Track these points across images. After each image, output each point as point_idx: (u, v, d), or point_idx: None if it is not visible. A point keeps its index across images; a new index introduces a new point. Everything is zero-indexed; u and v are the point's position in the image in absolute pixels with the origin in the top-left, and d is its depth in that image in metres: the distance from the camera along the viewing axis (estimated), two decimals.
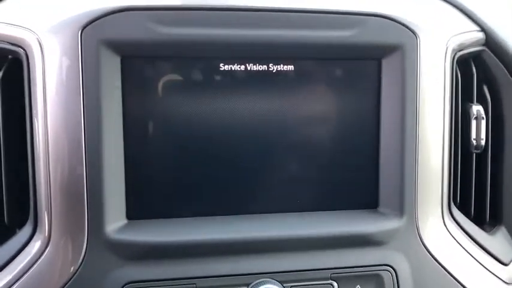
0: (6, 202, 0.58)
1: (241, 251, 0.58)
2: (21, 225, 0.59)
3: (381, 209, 0.63)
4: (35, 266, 0.56)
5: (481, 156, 0.70)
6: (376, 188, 0.64)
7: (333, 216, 0.62)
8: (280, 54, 0.60)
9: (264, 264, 0.58)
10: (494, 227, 0.72)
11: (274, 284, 0.57)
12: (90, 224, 0.56)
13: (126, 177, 0.58)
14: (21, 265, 0.56)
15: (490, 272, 0.68)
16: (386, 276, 0.60)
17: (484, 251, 0.68)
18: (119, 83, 0.57)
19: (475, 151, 0.68)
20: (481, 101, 0.70)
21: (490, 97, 0.70)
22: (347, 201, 0.64)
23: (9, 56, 0.59)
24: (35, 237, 0.57)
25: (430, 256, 0.63)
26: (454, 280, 0.64)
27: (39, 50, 0.57)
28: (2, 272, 0.56)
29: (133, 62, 0.58)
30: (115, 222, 0.57)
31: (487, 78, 0.71)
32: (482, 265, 0.67)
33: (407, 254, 0.62)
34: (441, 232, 0.65)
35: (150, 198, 0.59)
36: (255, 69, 0.60)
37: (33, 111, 0.57)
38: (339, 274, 0.59)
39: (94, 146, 0.56)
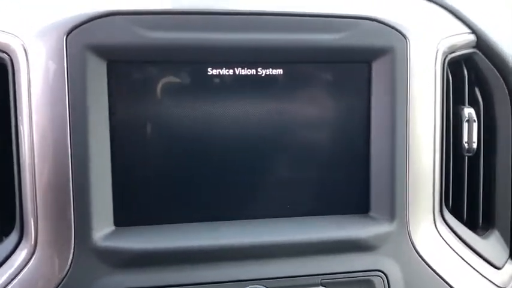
0: None
1: (230, 258, 0.58)
2: (7, 233, 0.58)
3: (371, 213, 0.63)
4: (21, 274, 0.55)
5: (473, 160, 0.70)
6: (367, 192, 0.63)
7: (323, 221, 0.62)
8: (269, 58, 0.60)
9: (253, 270, 0.58)
10: (487, 231, 0.72)
11: None
12: (77, 231, 0.55)
13: (113, 183, 0.57)
14: (7, 274, 0.55)
15: (483, 276, 0.67)
16: (378, 282, 0.60)
17: (476, 255, 0.68)
18: (105, 88, 0.57)
19: (467, 154, 0.67)
20: (473, 103, 0.69)
21: (482, 100, 0.70)
22: (337, 206, 0.63)
23: None
24: (20, 245, 0.56)
25: (422, 261, 0.62)
26: (446, 284, 0.64)
27: (24, 56, 0.56)
28: None
29: (120, 67, 0.57)
30: (102, 229, 0.56)
31: (478, 80, 0.71)
32: (475, 269, 0.67)
33: (399, 259, 0.61)
34: (433, 236, 0.64)
35: (138, 204, 0.58)
36: (243, 73, 0.59)
37: (19, 117, 0.56)
38: (329, 280, 0.59)
39: (80, 153, 0.55)
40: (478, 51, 0.69)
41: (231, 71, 0.59)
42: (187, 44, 0.56)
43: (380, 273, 0.60)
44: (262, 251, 0.58)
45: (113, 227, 0.58)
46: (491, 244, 0.70)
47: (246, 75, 0.60)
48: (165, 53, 0.57)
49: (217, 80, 0.59)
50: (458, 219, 0.68)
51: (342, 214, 0.63)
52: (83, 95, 0.55)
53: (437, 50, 0.65)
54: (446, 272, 0.64)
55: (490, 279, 0.67)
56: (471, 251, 0.67)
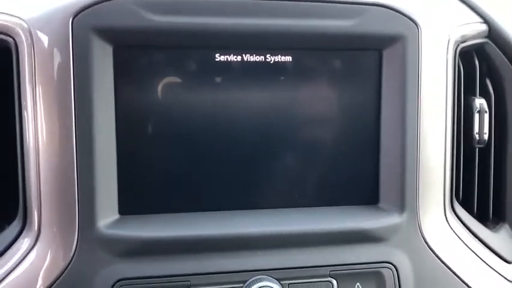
0: None
1: (237, 247, 0.56)
2: (10, 221, 0.57)
3: (381, 204, 0.62)
4: (24, 261, 0.54)
5: (484, 151, 0.69)
6: (377, 183, 0.62)
7: (332, 211, 0.60)
8: (278, 45, 0.58)
9: (261, 260, 0.57)
10: (497, 224, 0.70)
11: (271, 282, 0.55)
12: (81, 219, 0.54)
13: (118, 171, 0.56)
14: (10, 261, 0.54)
15: (493, 269, 0.66)
16: (387, 274, 0.58)
17: (487, 248, 0.66)
18: (110, 73, 0.55)
19: (478, 146, 0.66)
20: (484, 94, 0.68)
21: (493, 91, 0.69)
22: (346, 197, 0.62)
23: None
24: (23, 233, 0.55)
25: (432, 253, 0.61)
26: (456, 277, 0.62)
27: (29, 39, 0.55)
28: None
29: (126, 51, 0.56)
30: (107, 217, 0.55)
31: (490, 71, 0.69)
32: (485, 262, 0.65)
33: (409, 250, 0.60)
34: (443, 228, 0.63)
35: (142, 192, 0.57)
36: (252, 59, 0.58)
37: (23, 103, 0.55)
38: (338, 271, 0.57)
39: (85, 140, 0.54)
40: (489, 41, 0.68)
41: (239, 58, 0.58)
42: (195, 29, 0.55)
43: (389, 265, 0.59)
44: (270, 241, 0.57)
45: (117, 215, 0.56)
46: (501, 238, 0.69)
47: (255, 62, 0.58)
48: (171, 38, 0.55)
49: (224, 67, 0.58)
50: (468, 212, 0.67)
51: (351, 205, 0.62)
52: (88, 79, 0.54)
53: (449, 39, 0.64)
54: (456, 265, 0.63)
55: (500, 272, 0.66)
56: (481, 244, 0.66)
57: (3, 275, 0.54)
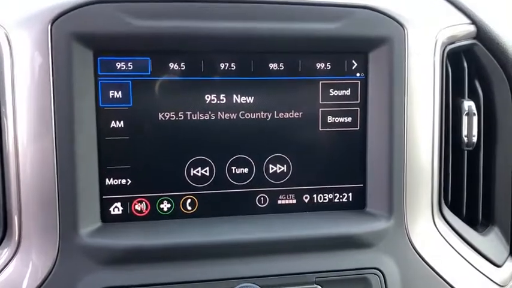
0: None
1: (222, 255, 0.56)
2: None
3: (368, 209, 0.61)
4: (3, 272, 0.53)
5: (473, 154, 0.68)
6: (364, 188, 0.61)
7: (318, 217, 0.60)
8: (262, 48, 0.57)
9: (246, 268, 0.56)
10: (486, 227, 0.70)
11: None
12: (62, 227, 0.53)
13: (100, 178, 0.55)
14: None
15: (483, 273, 0.65)
16: (374, 280, 0.58)
17: (476, 252, 0.66)
18: (91, 78, 0.54)
19: (467, 148, 0.65)
20: (473, 96, 0.67)
21: (482, 92, 0.68)
22: (333, 202, 0.61)
23: None
24: (3, 243, 0.54)
25: (420, 258, 0.60)
26: (445, 283, 0.62)
27: (7, 45, 0.54)
28: None
29: (107, 57, 0.55)
30: (88, 225, 0.54)
31: (478, 72, 0.69)
32: (475, 267, 0.65)
33: (396, 256, 0.59)
34: (431, 233, 0.62)
35: (125, 199, 0.56)
36: (238, 61, 0.57)
37: (2, 109, 0.54)
38: (324, 278, 0.56)
39: (65, 147, 0.53)
40: (478, 43, 0.67)
41: (224, 61, 0.57)
42: (176, 33, 0.54)
43: (376, 271, 0.58)
44: (255, 248, 0.56)
45: (99, 223, 0.56)
46: (490, 241, 0.68)
47: (240, 64, 0.58)
48: (153, 42, 0.55)
49: (209, 69, 0.57)
50: (457, 216, 0.67)
51: (338, 210, 0.61)
52: (68, 86, 0.53)
53: (436, 41, 0.63)
54: (444, 270, 0.62)
55: (489, 277, 0.66)
56: (470, 248, 0.65)
57: None
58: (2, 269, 0.53)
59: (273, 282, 0.55)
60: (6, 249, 0.54)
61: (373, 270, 0.58)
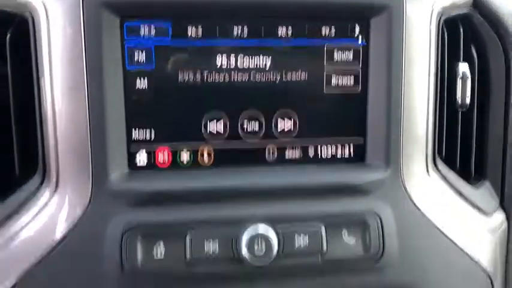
0: (17, 156, 0.63)
1: (236, 198, 0.62)
2: (30, 175, 0.63)
3: (367, 162, 0.67)
4: (43, 212, 0.60)
5: (467, 114, 0.73)
6: (364, 143, 0.67)
7: (322, 168, 0.66)
8: (273, 13, 0.63)
9: (257, 210, 0.62)
10: (478, 182, 0.75)
11: (266, 227, 0.61)
12: (95, 173, 0.60)
13: (127, 131, 0.62)
14: (31, 211, 0.61)
15: (473, 222, 0.71)
16: (372, 223, 0.64)
17: (468, 203, 0.71)
18: (118, 43, 0.61)
19: (461, 109, 0.71)
20: (468, 60, 0.72)
21: (477, 57, 0.73)
22: (335, 156, 0.67)
23: (16, 20, 0.63)
24: (43, 186, 0.62)
25: (414, 206, 0.66)
26: (437, 229, 0.67)
27: (44, 13, 0.60)
28: (14, 217, 0.61)
29: (132, 22, 0.61)
30: (117, 172, 0.61)
31: (474, 39, 0.73)
32: (466, 216, 0.71)
33: (392, 203, 0.65)
34: (425, 184, 0.68)
35: (149, 150, 0.63)
36: (248, 28, 0.63)
37: (40, 71, 0.61)
38: (326, 219, 0.63)
39: (96, 104, 0.60)
40: (474, 10, 0.72)
41: (239, 26, 0.63)
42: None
43: (374, 215, 0.64)
44: (264, 193, 0.63)
45: (127, 171, 0.62)
46: (482, 193, 0.74)
47: (255, 29, 0.63)
48: (173, 7, 0.61)
49: (226, 34, 0.63)
50: (451, 169, 0.72)
51: (341, 163, 0.67)
52: (98, 50, 0.59)
53: (433, 9, 0.68)
54: (437, 217, 0.68)
55: (479, 225, 0.71)
56: (462, 198, 0.71)
57: (25, 223, 0.60)
58: (43, 208, 0.60)
59: (280, 222, 0.62)
60: (46, 191, 0.61)
61: (371, 214, 0.64)
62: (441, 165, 0.71)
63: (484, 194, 0.74)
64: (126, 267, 0.59)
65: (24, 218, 0.61)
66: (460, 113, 0.72)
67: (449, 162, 0.73)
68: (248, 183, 0.63)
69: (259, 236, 0.60)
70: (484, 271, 0.71)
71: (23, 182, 0.63)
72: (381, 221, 0.64)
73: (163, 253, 0.59)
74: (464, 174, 0.74)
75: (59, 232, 0.60)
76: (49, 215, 0.60)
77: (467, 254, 0.69)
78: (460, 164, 0.74)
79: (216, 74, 0.64)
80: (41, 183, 0.62)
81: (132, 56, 0.62)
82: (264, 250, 0.60)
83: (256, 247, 0.59)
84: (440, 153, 0.72)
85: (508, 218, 0.75)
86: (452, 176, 0.71)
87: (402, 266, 0.65)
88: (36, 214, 0.61)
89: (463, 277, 0.69)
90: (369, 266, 0.64)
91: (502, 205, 0.76)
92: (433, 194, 0.69)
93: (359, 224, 0.64)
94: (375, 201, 0.65)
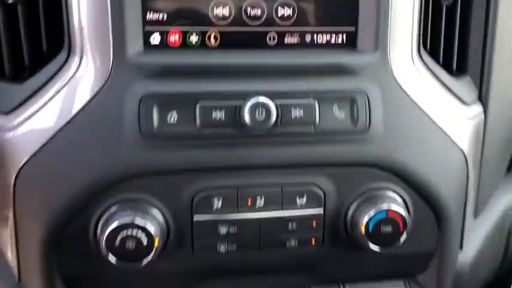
0: (44, 32, 0.70)
1: (239, 74, 0.70)
2: (57, 50, 0.71)
3: (358, 47, 0.74)
4: (71, 81, 0.68)
5: (452, 11, 0.80)
6: (355, 31, 0.74)
7: (317, 50, 0.73)
8: None
9: (259, 85, 0.70)
10: (460, 75, 0.83)
11: (266, 98, 0.68)
12: (114, 49, 0.67)
13: (143, 12, 0.69)
14: (58, 83, 0.69)
15: (453, 109, 0.79)
16: (360, 100, 0.71)
17: (449, 92, 0.79)
18: None
19: (445, 2, 0.78)
20: None
21: None
22: (330, 42, 0.74)
23: None
24: (69, 59, 0.69)
25: (400, 87, 0.74)
26: (420, 110, 0.75)
27: None
28: (45, 87, 0.69)
29: None
30: (134, 48, 0.68)
31: None
32: (447, 103, 0.78)
33: (380, 84, 0.72)
34: (411, 70, 0.75)
35: (162, 31, 0.70)
36: None
37: None
38: (319, 95, 0.71)
39: None
40: None
41: None
42: None
43: (362, 93, 0.72)
44: (265, 70, 0.70)
45: (142, 47, 0.70)
46: (462, 85, 0.81)
47: None
48: None
49: None
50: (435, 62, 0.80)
51: (334, 48, 0.74)
52: None
53: None
54: (420, 100, 0.75)
55: (459, 112, 0.79)
56: (444, 88, 0.78)
57: (56, 91, 0.68)
58: (70, 80, 0.68)
59: (278, 96, 0.70)
60: (72, 65, 0.69)
61: (360, 92, 0.72)
62: (425, 56, 0.78)
63: (464, 86, 0.82)
64: (144, 131, 0.67)
65: (53, 89, 0.69)
66: (444, 7, 0.78)
67: (434, 57, 0.81)
68: (251, 62, 0.70)
69: (260, 104, 0.67)
70: (461, 153, 0.79)
71: (50, 58, 0.71)
72: (368, 99, 0.72)
73: (176, 119, 0.67)
74: (447, 68, 0.82)
75: (84, 101, 0.68)
76: (75, 86, 0.68)
77: (447, 135, 0.77)
78: (443, 58, 0.81)
79: None
80: (67, 58, 0.70)
81: None
82: (263, 117, 0.67)
83: (257, 114, 0.67)
84: (425, 46, 0.79)
85: (485, 111, 0.83)
86: (435, 66, 0.79)
87: (386, 140, 0.73)
88: (64, 85, 0.68)
89: (440, 154, 0.77)
90: (355, 138, 0.72)
91: (480, 99, 0.84)
92: (417, 80, 0.76)
93: (348, 100, 0.71)
94: (363, 82, 0.72)
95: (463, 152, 0.78)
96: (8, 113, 0.70)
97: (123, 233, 0.66)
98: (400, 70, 0.74)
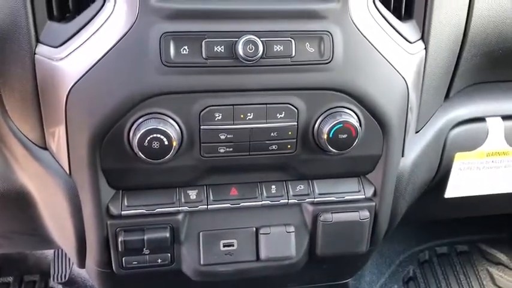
0: None
1: (233, 18, 0.89)
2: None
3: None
4: (106, 22, 0.89)
5: None
6: None
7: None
8: None
9: (249, 26, 0.89)
10: (407, 20, 1.06)
11: (255, 37, 0.90)
12: None
13: None
14: (97, 22, 0.89)
15: (400, 46, 1.02)
16: (326, 38, 0.92)
17: (397, 32, 1.01)
18: None
19: None
20: None
21: None
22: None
23: None
24: (104, 5, 0.89)
25: (357, 29, 0.94)
26: (374, 48, 0.96)
27: None
28: (86, 26, 0.90)
29: None
30: None
31: None
32: (395, 42, 1.01)
33: (341, 26, 0.91)
34: (366, 16, 0.96)
35: None
36: None
37: None
38: (295, 35, 0.93)
39: None
40: None
41: None
42: None
43: (328, 33, 0.93)
44: (255, 15, 0.89)
45: None
46: (408, 27, 1.02)
47: None
48: None
49: None
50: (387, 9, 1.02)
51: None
52: None
53: None
54: (374, 39, 0.95)
55: (405, 48, 1.02)
56: (394, 29, 1.00)
57: (94, 30, 0.89)
58: (106, 20, 0.89)
59: (265, 35, 0.91)
60: (108, 8, 0.88)
61: (325, 32, 0.93)
62: (379, 4, 1.00)
63: (410, 28, 1.04)
64: (164, 60, 0.89)
65: (92, 28, 0.90)
66: None
67: (386, 5, 1.03)
68: (243, 8, 0.90)
69: (250, 41, 0.89)
70: (404, 80, 1.02)
71: (89, 4, 0.92)
72: (332, 38, 0.93)
73: (187, 51, 0.90)
74: (397, 14, 1.04)
75: (116, 38, 0.88)
76: (109, 26, 0.88)
77: (393, 66, 0.99)
78: (394, 6, 1.04)
79: None
80: (103, 4, 0.90)
81: None
82: (253, 51, 0.89)
83: (248, 48, 0.89)
84: None
85: (426, 48, 1.06)
86: (387, 13, 1.01)
87: (345, 70, 0.94)
88: (101, 26, 0.89)
89: (387, 81, 0.98)
90: (322, 68, 0.93)
91: (423, 39, 1.07)
92: (371, 23, 0.97)
93: (318, 38, 0.92)
94: (329, 25, 0.93)
95: (405, 79, 1.02)
96: (57, 46, 0.92)
97: (150, 136, 0.90)
98: (357, 15, 0.95)
